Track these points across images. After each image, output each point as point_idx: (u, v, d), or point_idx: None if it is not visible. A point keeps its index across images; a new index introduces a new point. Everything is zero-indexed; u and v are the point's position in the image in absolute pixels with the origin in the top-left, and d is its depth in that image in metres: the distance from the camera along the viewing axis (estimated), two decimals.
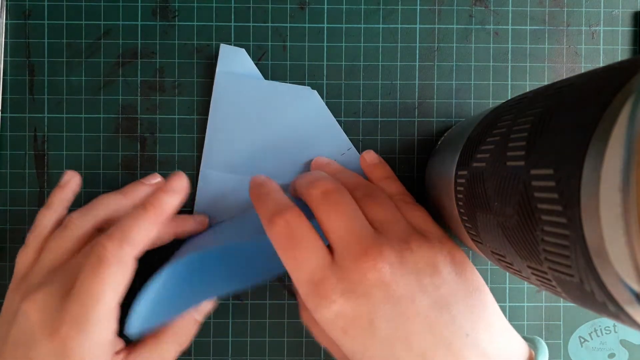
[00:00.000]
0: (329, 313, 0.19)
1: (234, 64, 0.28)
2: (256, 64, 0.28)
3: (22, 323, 0.22)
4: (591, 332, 0.29)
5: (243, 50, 0.28)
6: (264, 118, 0.28)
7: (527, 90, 0.28)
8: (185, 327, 0.25)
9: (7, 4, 0.28)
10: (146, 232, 0.23)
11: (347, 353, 0.20)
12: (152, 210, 0.23)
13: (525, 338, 0.23)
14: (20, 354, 0.22)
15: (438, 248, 0.21)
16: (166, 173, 0.28)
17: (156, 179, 0.27)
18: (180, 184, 0.24)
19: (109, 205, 0.25)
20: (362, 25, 0.28)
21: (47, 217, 0.25)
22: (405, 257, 0.20)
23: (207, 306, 0.26)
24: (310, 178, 0.24)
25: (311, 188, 0.22)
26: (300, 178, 0.25)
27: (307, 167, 0.28)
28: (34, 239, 0.25)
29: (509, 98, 0.26)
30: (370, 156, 0.28)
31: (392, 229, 0.21)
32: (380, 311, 0.19)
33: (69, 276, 0.22)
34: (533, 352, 0.21)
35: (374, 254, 0.19)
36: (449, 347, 0.19)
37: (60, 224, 0.25)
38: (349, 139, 0.28)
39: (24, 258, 0.25)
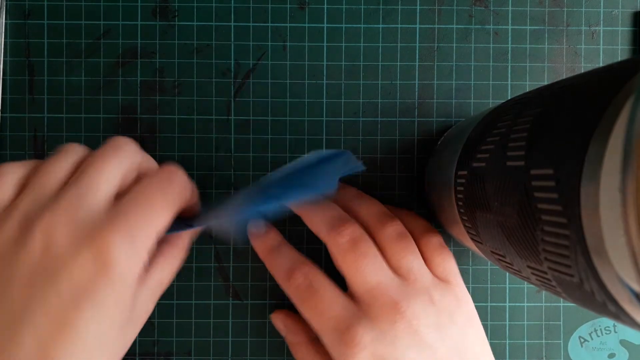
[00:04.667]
0: (361, 357, 0.21)
1: None
2: (256, 64, 0.28)
3: (36, 251, 0.17)
4: (591, 332, 0.29)
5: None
6: None
7: (527, 90, 0.28)
8: (187, 244, 0.23)
9: (7, 4, 0.28)
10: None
11: None
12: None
13: None
14: (39, 287, 0.16)
15: (455, 299, 0.24)
16: None
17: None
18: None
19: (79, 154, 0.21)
20: (362, 25, 0.28)
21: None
22: (427, 309, 0.22)
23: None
24: (332, 220, 0.24)
25: (337, 235, 0.23)
26: (316, 212, 0.25)
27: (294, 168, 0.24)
28: (19, 169, 0.19)
29: (509, 98, 0.26)
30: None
31: (418, 280, 0.23)
32: (406, 355, 0.21)
33: (96, 191, 0.18)
34: None
35: (403, 307, 0.22)
36: None
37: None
38: (349, 139, 0.28)
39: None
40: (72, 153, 0.20)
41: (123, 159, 0.20)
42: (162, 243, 0.22)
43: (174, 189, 0.20)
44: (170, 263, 0.21)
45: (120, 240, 0.17)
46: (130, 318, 0.19)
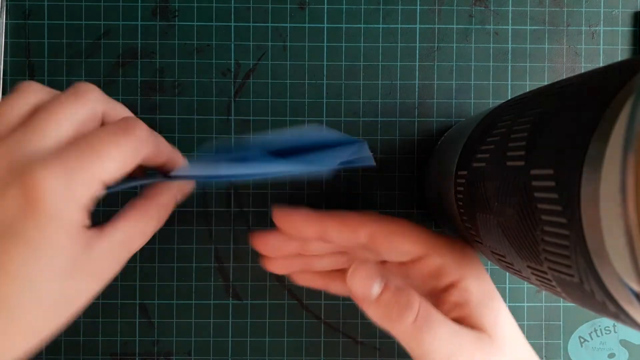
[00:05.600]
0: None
1: None
2: (256, 64, 0.28)
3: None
4: (591, 332, 0.29)
5: None
6: None
7: (527, 90, 0.28)
8: (167, 203, 0.22)
9: (7, 4, 0.28)
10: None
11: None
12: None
13: None
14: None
15: None
16: None
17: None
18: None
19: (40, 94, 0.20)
20: (362, 25, 0.28)
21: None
22: None
23: (187, 187, 0.23)
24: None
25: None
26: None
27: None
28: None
29: (509, 98, 0.26)
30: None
31: None
32: None
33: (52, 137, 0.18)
34: None
35: None
36: None
37: None
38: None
39: None
40: (31, 94, 0.19)
41: (81, 105, 0.19)
42: (139, 198, 0.20)
43: (128, 139, 0.19)
44: (142, 221, 0.20)
45: (51, 179, 0.16)
46: (77, 270, 0.18)
